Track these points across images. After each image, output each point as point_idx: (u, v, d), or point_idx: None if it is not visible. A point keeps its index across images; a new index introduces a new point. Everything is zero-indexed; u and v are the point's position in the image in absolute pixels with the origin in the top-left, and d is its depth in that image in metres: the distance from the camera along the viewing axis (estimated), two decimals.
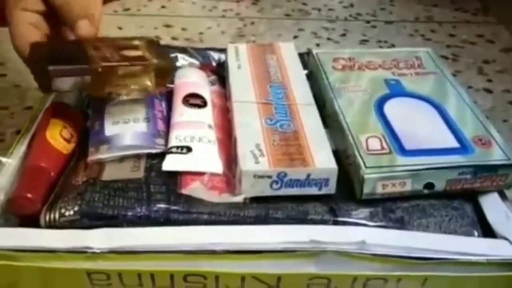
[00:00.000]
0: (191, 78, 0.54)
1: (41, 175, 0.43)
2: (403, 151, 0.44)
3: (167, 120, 0.49)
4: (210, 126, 0.48)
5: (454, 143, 0.45)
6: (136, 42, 0.46)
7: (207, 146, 0.46)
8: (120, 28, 0.82)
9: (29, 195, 0.41)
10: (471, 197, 0.45)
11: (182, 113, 0.49)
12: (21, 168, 0.45)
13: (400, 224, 0.42)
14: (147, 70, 0.44)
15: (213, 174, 0.44)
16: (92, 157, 0.45)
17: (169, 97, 0.52)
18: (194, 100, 0.50)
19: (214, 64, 0.60)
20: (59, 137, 0.47)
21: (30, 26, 0.48)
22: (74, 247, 0.38)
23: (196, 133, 0.46)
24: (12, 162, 0.45)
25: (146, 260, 0.38)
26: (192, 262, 0.38)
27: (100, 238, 0.38)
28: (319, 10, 0.91)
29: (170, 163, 0.44)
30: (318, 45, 0.80)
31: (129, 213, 0.41)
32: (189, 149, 0.45)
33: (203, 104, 0.50)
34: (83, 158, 0.46)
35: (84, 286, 0.39)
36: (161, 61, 0.45)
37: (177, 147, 0.45)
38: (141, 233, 0.39)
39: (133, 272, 0.38)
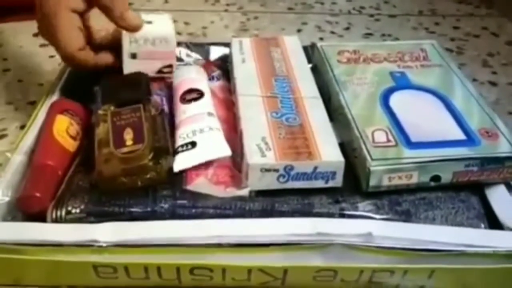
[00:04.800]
0: (187, 75, 0.54)
1: (49, 173, 0.43)
2: (409, 144, 0.44)
3: (170, 116, 0.50)
4: (210, 114, 0.48)
5: (460, 135, 0.45)
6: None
7: (210, 134, 0.46)
8: None
9: (38, 194, 0.41)
10: (478, 189, 0.45)
11: (182, 111, 0.49)
12: (28, 164, 0.45)
13: (407, 216, 0.42)
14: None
15: (218, 169, 0.44)
16: None
17: (170, 93, 0.53)
18: (190, 95, 0.50)
19: (218, 58, 0.60)
20: (65, 135, 0.47)
21: (78, 31, 0.48)
22: (80, 241, 0.38)
23: (196, 126, 0.46)
24: (17, 157, 0.45)
25: (152, 253, 0.38)
26: (198, 255, 0.38)
27: (106, 232, 0.38)
28: (322, 3, 0.91)
29: (179, 163, 0.44)
30: (321, 39, 0.80)
31: (135, 211, 0.41)
32: (193, 144, 0.45)
33: (199, 96, 0.50)
34: (89, 155, 0.45)
35: (91, 279, 0.39)
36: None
37: (182, 146, 0.45)
38: (147, 227, 0.39)
39: (140, 265, 0.38)
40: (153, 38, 0.51)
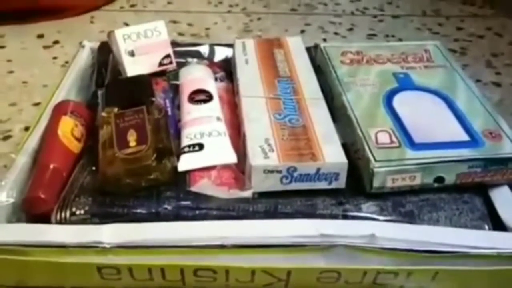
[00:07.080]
0: (194, 74, 0.54)
1: (54, 175, 0.44)
2: (413, 145, 0.44)
3: (174, 119, 0.50)
4: (218, 119, 0.48)
5: (464, 136, 0.45)
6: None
7: (218, 139, 0.46)
8: (126, 24, 0.82)
9: (42, 196, 0.41)
10: (482, 190, 0.45)
11: (189, 111, 0.49)
12: (33, 165, 0.45)
13: (410, 218, 0.42)
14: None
15: (221, 170, 0.44)
16: None
17: (176, 95, 0.53)
18: (199, 96, 0.50)
19: (221, 60, 0.60)
20: (70, 136, 0.47)
21: None
22: (84, 242, 0.38)
23: (205, 129, 0.46)
24: (22, 158, 0.45)
25: (156, 254, 0.38)
26: (202, 257, 0.38)
27: (110, 233, 0.38)
28: (325, 4, 0.91)
29: (185, 163, 0.44)
30: (325, 39, 0.80)
31: (139, 212, 0.41)
32: (201, 146, 0.45)
33: (209, 98, 0.50)
34: (93, 157, 0.46)
35: (95, 280, 0.39)
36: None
37: (189, 146, 0.45)
38: (151, 228, 0.39)
39: (144, 266, 0.38)
40: (144, 30, 0.54)
